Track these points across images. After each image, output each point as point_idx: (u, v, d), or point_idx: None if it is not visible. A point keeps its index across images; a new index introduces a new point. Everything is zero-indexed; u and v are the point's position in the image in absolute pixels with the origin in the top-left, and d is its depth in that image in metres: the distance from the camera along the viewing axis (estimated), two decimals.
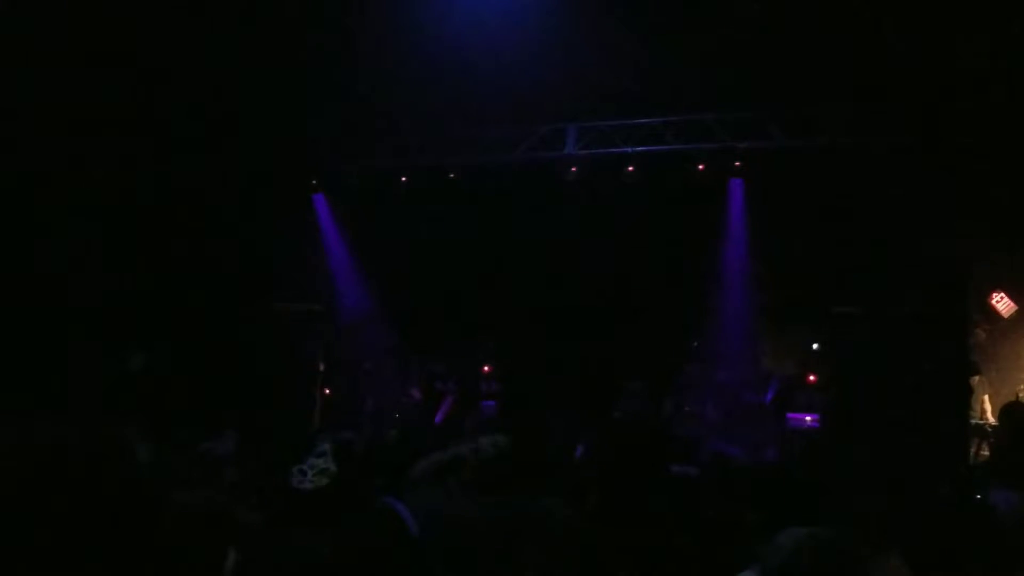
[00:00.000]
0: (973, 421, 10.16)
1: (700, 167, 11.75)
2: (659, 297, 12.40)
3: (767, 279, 11.76)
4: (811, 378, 12.15)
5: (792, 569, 1.95)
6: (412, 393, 13.51)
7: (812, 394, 11.93)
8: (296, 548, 3.03)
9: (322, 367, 13.40)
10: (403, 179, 12.88)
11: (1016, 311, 10.88)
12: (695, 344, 12.78)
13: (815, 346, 12.06)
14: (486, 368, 13.65)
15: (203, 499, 3.02)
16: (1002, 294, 10.90)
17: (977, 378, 10.35)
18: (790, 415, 11.84)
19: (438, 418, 13.05)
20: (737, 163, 11.68)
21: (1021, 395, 10.16)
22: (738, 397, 12.27)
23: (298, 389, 12.80)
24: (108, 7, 9.58)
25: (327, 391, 13.47)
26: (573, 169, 12.19)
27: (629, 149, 11.83)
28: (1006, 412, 9.78)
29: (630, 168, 11.90)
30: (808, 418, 11.71)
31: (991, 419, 10.10)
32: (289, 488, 3.44)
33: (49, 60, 9.80)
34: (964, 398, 10.15)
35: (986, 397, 10.37)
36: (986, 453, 9.99)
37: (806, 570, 1.92)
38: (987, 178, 10.32)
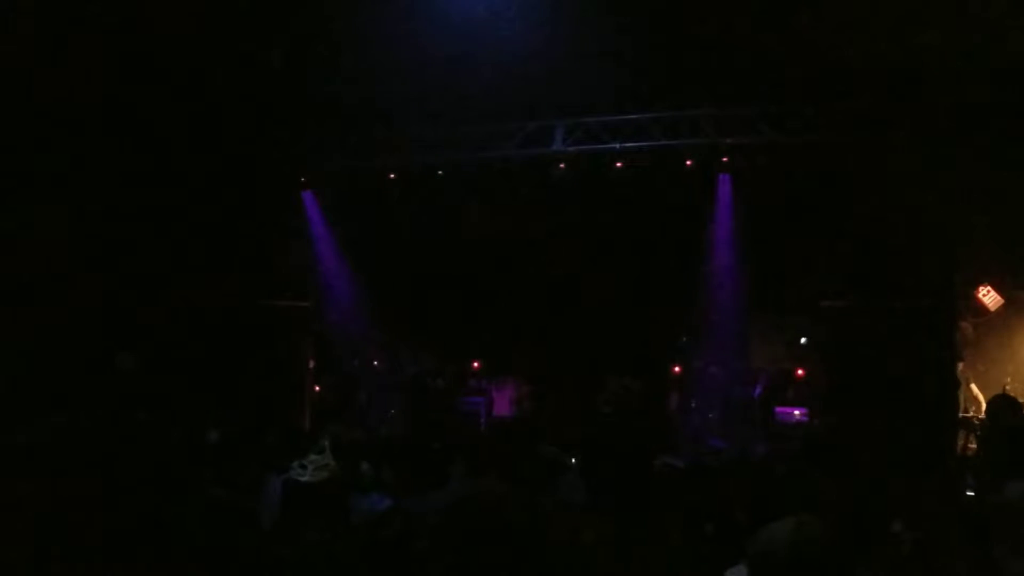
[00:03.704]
0: (960, 414, 10.21)
1: (688, 163, 11.77)
2: (648, 293, 12.43)
3: (755, 274, 11.80)
4: (799, 372, 12.19)
5: (776, 558, 1.96)
6: (408, 369, 13.54)
7: (801, 388, 11.97)
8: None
9: (312, 364, 13.39)
10: (391, 176, 12.88)
11: (1003, 305, 10.93)
12: (684, 340, 12.81)
13: (803, 340, 12.09)
14: (475, 364, 13.67)
15: (233, 494, 3.08)
16: (989, 288, 10.94)
17: (960, 365, 10.38)
18: (778, 409, 11.88)
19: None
20: (725, 158, 11.71)
21: (1008, 388, 10.21)
22: (727, 392, 12.32)
23: (288, 386, 12.78)
24: (101, 4, 9.57)
25: (317, 388, 13.46)
26: (561, 165, 12.20)
27: (617, 145, 11.83)
28: (993, 405, 9.87)
29: (618, 164, 11.92)
30: (796, 412, 11.75)
31: (981, 409, 10.14)
32: (288, 480, 3.51)
33: (40, 57, 9.76)
34: (952, 391, 10.20)
35: (973, 387, 10.42)
36: (973, 446, 10.05)
37: (790, 560, 1.93)
38: (974, 172, 10.37)
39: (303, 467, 3.53)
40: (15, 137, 10.07)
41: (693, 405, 12.50)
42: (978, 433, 9.99)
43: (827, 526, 1.93)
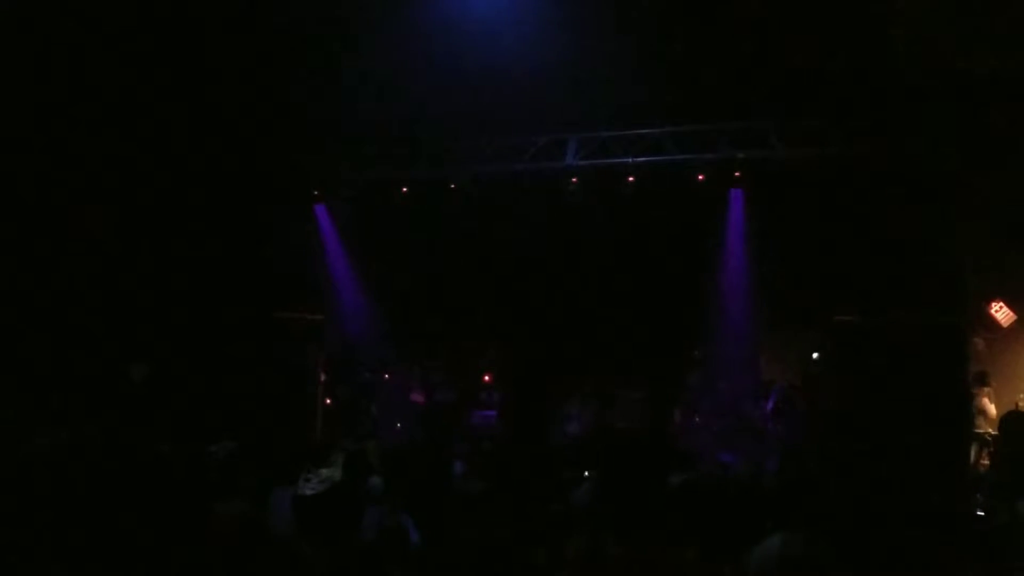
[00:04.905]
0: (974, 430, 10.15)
1: (700, 177, 11.77)
2: (659, 306, 12.43)
3: (767, 288, 11.78)
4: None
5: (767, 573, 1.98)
6: (414, 397, 13.51)
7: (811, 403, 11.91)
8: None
9: (323, 377, 13.41)
10: (403, 189, 12.92)
11: (1015, 321, 10.89)
12: (697, 353, 12.79)
13: (815, 355, 12.05)
14: (486, 377, 13.66)
15: (239, 509, 3.10)
16: (1001, 303, 10.91)
17: (987, 389, 10.36)
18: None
19: None
20: (737, 173, 11.70)
21: (1021, 404, 10.17)
22: (736, 406, 12.28)
23: (299, 399, 12.79)
24: (110, 12, 9.66)
25: (328, 401, 13.48)
26: (574, 180, 12.21)
27: (629, 159, 11.85)
28: (1006, 421, 9.83)
29: (630, 178, 11.92)
30: None
31: (994, 425, 10.10)
32: (295, 495, 3.55)
33: (52, 62, 9.85)
34: (965, 407, 10.15)
35: (986, 402, 10.37)
36: (986, 462, 10.00)
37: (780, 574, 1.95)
38: (986, 188, 10.36)
39: (307, 480, 3.57)
40: (31, 149, 10.16)
41: (696, 420, 12.45)
42: (991, 449, 9.95)
43: (815, 541, 1.95)
